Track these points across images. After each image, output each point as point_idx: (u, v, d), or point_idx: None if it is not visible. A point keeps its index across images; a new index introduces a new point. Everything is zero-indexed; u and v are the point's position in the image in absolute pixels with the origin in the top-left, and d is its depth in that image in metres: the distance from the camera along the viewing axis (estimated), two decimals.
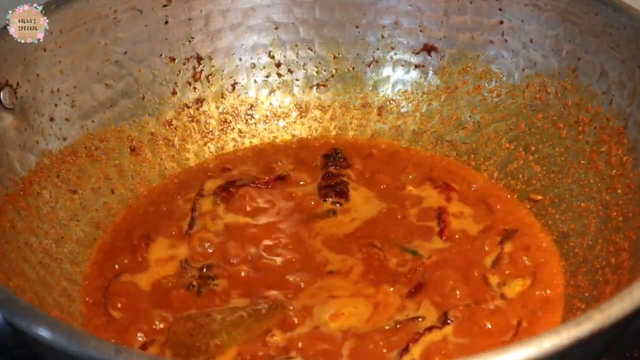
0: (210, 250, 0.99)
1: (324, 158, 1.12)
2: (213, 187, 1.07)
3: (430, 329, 0.87)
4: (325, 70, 1.19)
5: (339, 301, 0.91)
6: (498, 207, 1.04)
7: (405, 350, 0.85)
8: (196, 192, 1.07)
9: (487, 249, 0.98)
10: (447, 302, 0.91)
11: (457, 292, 0.92)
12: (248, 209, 1.05)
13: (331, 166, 1.10)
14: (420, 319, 0.89)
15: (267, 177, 1.09)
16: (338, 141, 1.16)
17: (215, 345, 0.86)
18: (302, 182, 1.09)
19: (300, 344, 0.86)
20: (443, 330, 0.87)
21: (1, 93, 0.97)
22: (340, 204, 1.05)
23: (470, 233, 1.00)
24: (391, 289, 0.93)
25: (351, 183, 1.08)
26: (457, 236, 1.00)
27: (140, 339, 0.88)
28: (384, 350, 0.85)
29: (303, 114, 1.19)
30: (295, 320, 0.89)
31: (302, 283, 0.94)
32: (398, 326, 0.88)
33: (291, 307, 0.90)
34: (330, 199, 1.05)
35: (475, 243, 0.99)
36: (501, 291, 0.93)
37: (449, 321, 0.88)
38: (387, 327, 0.88)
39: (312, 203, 1.05)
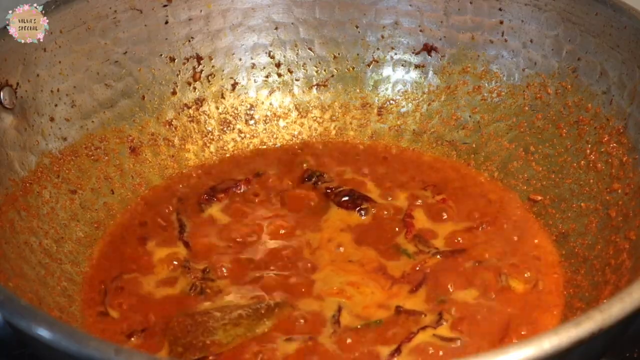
0: (202, 252, 0.99)
1: (305, 180, 1.09)
2: (198, 191, 1.08)
3: (424, 328, 0.87)
4: (325, 70, 1.19)
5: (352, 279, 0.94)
6: (498, 207, 1.04)
7: (397, 351, 0.85)
8: (178, 198, 1.07)
9: (486, 249, 0.98)
10: (446, 302, 0.91)
11: (457, 292, 0.92)
12: (238, 210, 1.05)
13: (320, 183, 1.08)
14: (422, 315, 0.89)
15: (245, 177, 1.09)
16: (338, 141, 1.17)
17: (212, 343, 0.86)
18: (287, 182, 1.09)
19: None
20: (437, 330, 0.87)
21: (1, 93, 0.97)
22: (368, 208, 1.04)
23: (469, 233, 1.00)
24: (391, 287, 0.93)
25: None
26: (457, 238, 1.00)
27: (139, 338, 0.88)
28: (378, 346, 0.86)
29: (303, 114, 1.19)
30: (301, 321, 0.89)
31: (301, 282, 0.94)
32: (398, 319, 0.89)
33: (293, 309, 0.91)
34: (362, 206, 1.04)
35: (475, 243, 0.99)
36: (501, 291, 0.92)
37: (443, 322, 0.88)
38: (381, 320, 0.89)
39: (312, 203, 1.06)
